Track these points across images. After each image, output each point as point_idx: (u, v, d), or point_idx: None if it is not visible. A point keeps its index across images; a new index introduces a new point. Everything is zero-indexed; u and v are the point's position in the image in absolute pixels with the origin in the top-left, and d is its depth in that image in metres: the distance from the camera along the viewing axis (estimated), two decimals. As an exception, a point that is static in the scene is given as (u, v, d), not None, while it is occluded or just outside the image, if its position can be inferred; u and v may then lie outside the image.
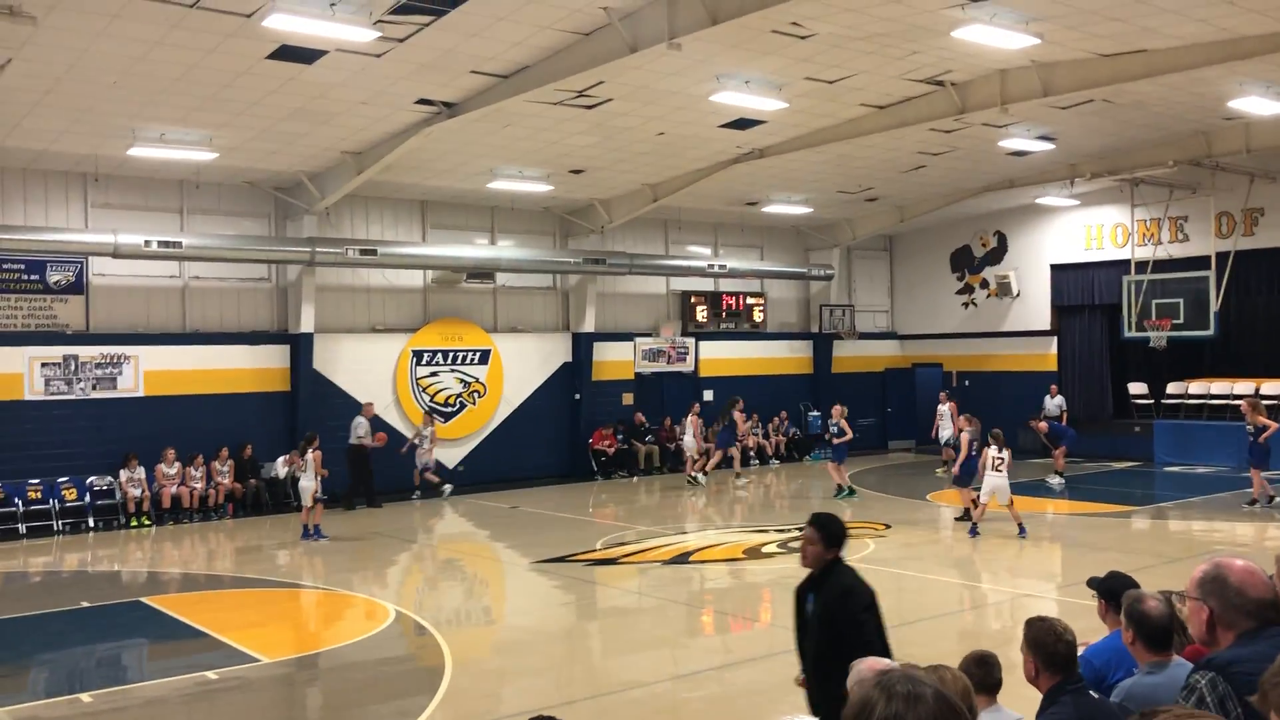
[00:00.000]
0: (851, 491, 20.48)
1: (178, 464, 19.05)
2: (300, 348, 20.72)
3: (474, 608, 13.54)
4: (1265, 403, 23.33)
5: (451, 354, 22.98)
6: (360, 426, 20.30)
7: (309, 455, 16.82)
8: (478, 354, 23.38)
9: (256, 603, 13.23)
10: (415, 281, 22.77)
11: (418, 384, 22.49)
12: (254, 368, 20.60)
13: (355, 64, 14.13)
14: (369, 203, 21.91)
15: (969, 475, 16.83)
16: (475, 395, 23.33)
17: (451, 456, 22.90)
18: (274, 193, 20.65)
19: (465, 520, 19.74)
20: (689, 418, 23.40)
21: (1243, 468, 19.28)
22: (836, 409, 20.77)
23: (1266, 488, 17.77)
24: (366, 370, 21.84)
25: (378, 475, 20.39)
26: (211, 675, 9.72)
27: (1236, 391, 23.75)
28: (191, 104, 15.42)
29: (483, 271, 22.81)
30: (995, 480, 15.56)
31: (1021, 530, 15.63)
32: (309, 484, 16.80)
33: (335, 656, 10.79)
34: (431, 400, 22.60)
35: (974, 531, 15.88)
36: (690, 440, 23.23)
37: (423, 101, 15.92)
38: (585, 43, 13.81)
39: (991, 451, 15.68)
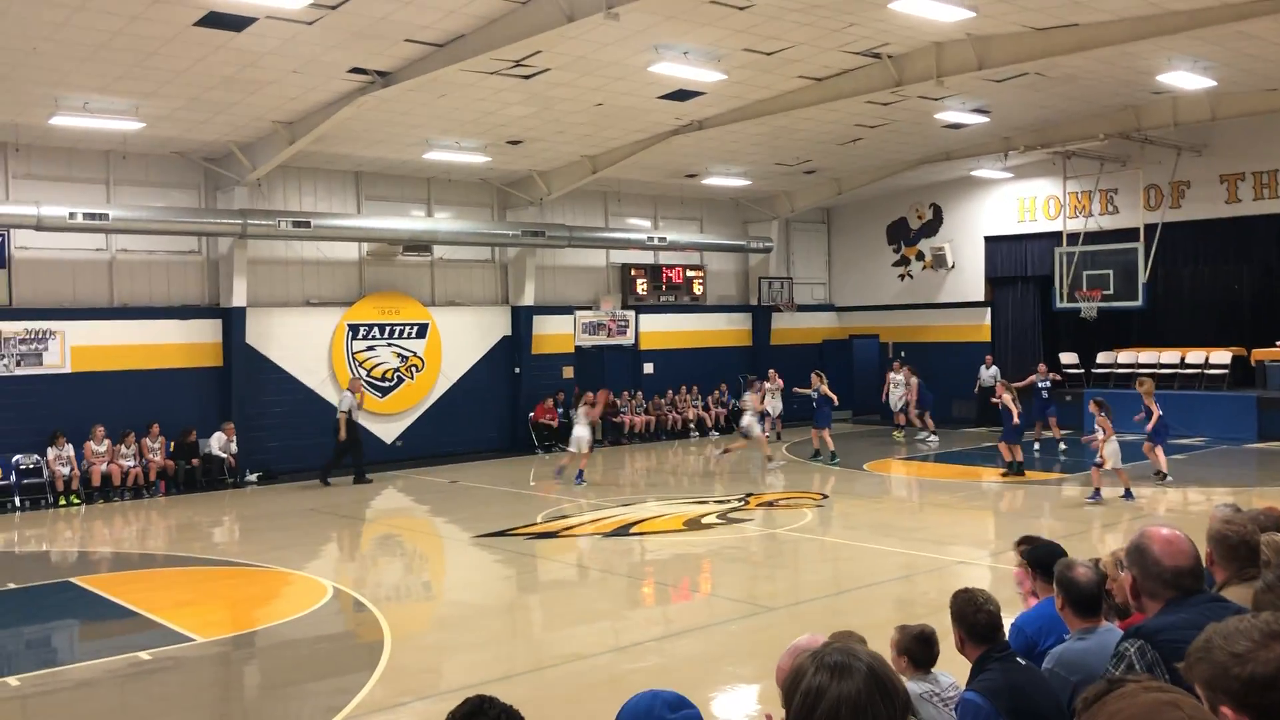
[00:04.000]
0: (834, 457, 21.17)
1: (107, 441, 18.65)
2: (233, 322, 20.34)
3: (413, 583, 13.46)
4: (1187, 371, 24.01)
5: (388, 328, 22.71)
6: (345, 401, 20.30)
7: (582, 409, 19.12)
8: (415, 328, 23.13)
9: (190, 581, 13.00)
10: (350, 254, 22.44)
11: (354, 358, 22.20)
12: (185, 343, 20.19)
13: (286, 31, 13.81)
14: (302, 174, 21.50)
15: (1018, 433, 18.68)
16: (413, 370, 23.11)
17: (389, 431, 22.69)
18: (204, 163, 20.19)
19: (404, 495, 19.58)
20: (767, 384, 24.08)
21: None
22: (814, 377, 22.02)
23: (1163, 462, 18.06)
24: (301, 345, 21.51)
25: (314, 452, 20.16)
26: (144, 656, 9.54)
27: (1164, 361, 24.30)
28: (116, 72, 14.98)
29: (419, 244, 22.54)
30: (1113, 445, 15.64)
31: (1128, 493, 15.78)
32: (584, 433, 18.88)
33: (271, 635, 10.65)
34: (369, 375, 22.34)
35: (1097, 496, 15.82)
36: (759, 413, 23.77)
37: (356, 70, 15.63)
38: (522, 11, 13.64)
39: (1100, 417, 15.80)
